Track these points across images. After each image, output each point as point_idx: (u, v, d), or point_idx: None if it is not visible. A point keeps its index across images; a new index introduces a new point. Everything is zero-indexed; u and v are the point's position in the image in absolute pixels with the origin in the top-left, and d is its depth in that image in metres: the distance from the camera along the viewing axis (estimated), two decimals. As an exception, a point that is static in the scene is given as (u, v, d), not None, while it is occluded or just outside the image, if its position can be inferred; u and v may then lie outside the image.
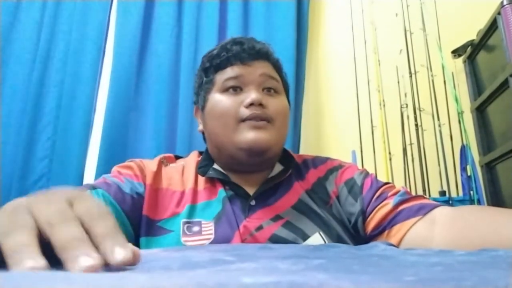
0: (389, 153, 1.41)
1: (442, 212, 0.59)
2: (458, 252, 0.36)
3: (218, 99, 0.69)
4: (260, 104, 0.67)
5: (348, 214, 0.69)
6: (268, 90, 0.71)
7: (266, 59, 0.74)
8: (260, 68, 0.71)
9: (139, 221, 0.65)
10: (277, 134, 0.69)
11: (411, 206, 0.62)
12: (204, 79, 0.74)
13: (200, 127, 0.77)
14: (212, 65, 0.73)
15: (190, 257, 0.32)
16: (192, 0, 1.61)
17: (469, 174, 1.30)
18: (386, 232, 0.63)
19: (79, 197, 0.30)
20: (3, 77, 1.49)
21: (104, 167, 1.39)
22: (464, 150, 1.34)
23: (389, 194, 0.66)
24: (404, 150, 1.40)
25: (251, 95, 0.67)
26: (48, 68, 1.53)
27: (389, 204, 0.64)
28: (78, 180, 1.42)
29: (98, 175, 1.38)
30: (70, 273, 0.23)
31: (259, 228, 0.65)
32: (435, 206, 0.60)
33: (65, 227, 0.26)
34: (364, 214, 0.67)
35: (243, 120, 0.66)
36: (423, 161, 1.35)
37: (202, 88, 0.74)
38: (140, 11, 1.59)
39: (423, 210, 0.60)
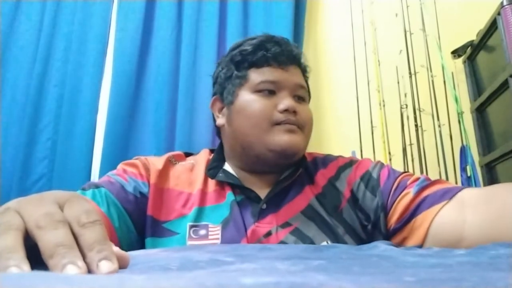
0: (389, 153, 1.41)
1: (471, 193, 0.56)
2: (458, 252, 0.36)
3: (251, 99, 0.69)
4: (293, 111, 0.68)
5: (369, 210, 0.67)
6: (299, 98, 0.72)
7: (299, 65, 0.75)
8: (295, 76, 0.72)
9: (144, 221, 0.65)
10: (306, 140, 0.71)
11: (435, 191, 0.59)
12: (235, 72, 0.72)
13: (221, 121, 0.74)
14: (247, 60, 0.71)
15: (189, 258, 0.32)
16: (192, 0, 1.61)
17: (469, 174, 1.30)
18: (411, 222, 0.60)
19: (70, 200, 0.29)
20: (3, 76, 1.49)
21: (106, 166, 1.38)
22: (464, 150, 1.34)
23: (408, 182, 0.64)
24: (404, 150, 1.40)
25: (286, 101, 0.67)
26: (48, 67, 1.52)
27: (409, 193, 0.62)
28: (81, 180, 1.40)
29: (101, 174, 1.38)
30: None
31: (268, 234, 0.64)
32: (461, 189, 0.57)
33: (53, 231, 0.26)
34: (385, 209, 0.64)
35: (277, 123, 0.67)
36: (423, 162, 1.35)
37: (232, 82, 0.72)
38: (140, 11, 1.58)
39: (448, 194, 0.57)
